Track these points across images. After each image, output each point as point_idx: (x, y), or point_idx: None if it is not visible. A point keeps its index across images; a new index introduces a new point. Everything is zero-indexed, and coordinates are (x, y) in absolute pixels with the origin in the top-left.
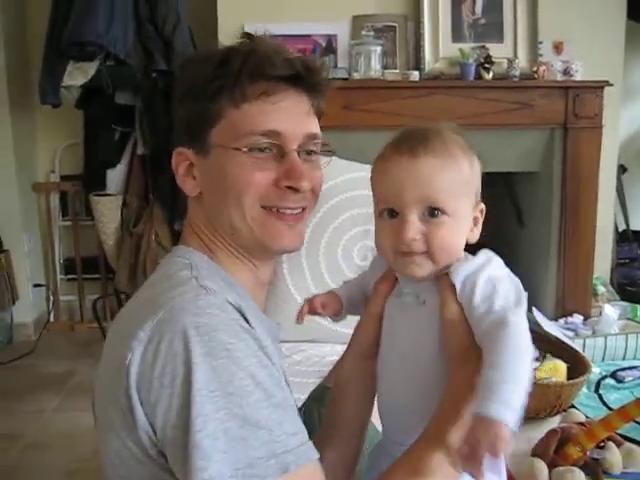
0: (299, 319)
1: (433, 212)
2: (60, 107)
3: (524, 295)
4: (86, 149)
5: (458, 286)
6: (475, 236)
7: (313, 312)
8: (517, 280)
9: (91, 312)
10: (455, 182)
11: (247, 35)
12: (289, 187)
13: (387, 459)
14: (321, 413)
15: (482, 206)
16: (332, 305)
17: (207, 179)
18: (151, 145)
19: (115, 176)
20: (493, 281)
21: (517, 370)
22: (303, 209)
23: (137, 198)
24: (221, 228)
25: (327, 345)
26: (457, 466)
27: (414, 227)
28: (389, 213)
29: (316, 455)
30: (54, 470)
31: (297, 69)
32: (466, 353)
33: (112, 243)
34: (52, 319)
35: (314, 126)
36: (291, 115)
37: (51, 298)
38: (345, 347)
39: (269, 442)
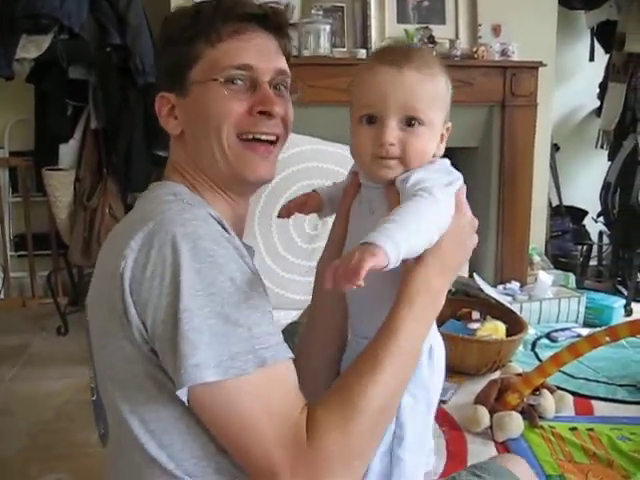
0: (282, 213)
1: (410, 121)
2: (11, 81)
3: (459, 179)
4: (38, 124)
5: (400, 182)
6: (441, 150)
7: (296, 209)
8: (458, 173)
9: (41, 288)
10: (433, 95)
11: None
12: (262, 112)
13: (354, 355)
14: (294, 344)
15: (449, 124)
16: (312, 203)
17: (187, 117)
18: (105, 119)
19: (68, 151)
20: (429, 170)
21: (414, 224)
22: (277, 138)
23: (90, 172)
24: (200, 162)
25: (282, 311)
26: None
27: (393, 133)
28: (368, 119)
29: (291, 355)
30: (18, 433)
31: (265, 9)
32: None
33: (64, 217)
34: (2, 296)
35: (283, 63)
36: (262, 51)
37: (1, 275)
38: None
39: (248, 339)
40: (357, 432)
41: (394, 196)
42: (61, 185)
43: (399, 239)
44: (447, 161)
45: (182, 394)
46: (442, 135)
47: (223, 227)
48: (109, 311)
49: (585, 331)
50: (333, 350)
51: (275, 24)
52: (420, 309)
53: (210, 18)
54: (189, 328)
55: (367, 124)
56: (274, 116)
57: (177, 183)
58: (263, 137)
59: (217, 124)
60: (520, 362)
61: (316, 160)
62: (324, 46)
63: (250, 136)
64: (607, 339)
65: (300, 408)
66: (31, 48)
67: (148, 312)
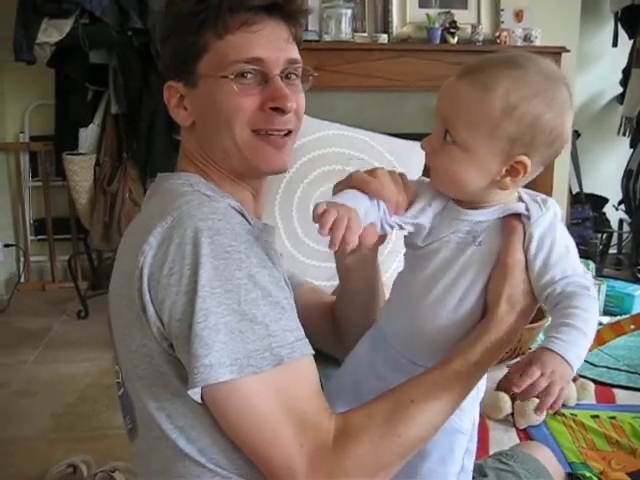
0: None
1: (445, 135)
2: (32, 65)
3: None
4: (58, 108)
5: (535, 239)
6: (505, 186)
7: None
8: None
9: (61, 272)
10: (476, 116)
11: None
12: (275, 108)
13: (389, 367)
14: None
15: (523, 159)
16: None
17: (198, 109)
18: (125, 104)
19: (88, 135)
20: (566, 241)
21: (592, 332)
22: (289, 132)
23: (110, 157)
24: (213, 154)
25: None
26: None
27: (429, 139)
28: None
29: (310, 351)
30: (42, 414)
31: None
32: (511, 302)
33: (85, 202)
34: (23, 280)
35: (294, 52)
36: (272, 42)
37: (21, 259)
38: None
39: (265, 337)
40: (390, 452)
41: (518, 235)
42: (81, 170)
43: (583, 356)
44: (555, 204)
45: (193, 394)
46: (512, 169)
47: (244, 217)
48: (128, 309)
49: (605, 319)
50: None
51: (286, 12)
52: (483, 358)
53: (217, 7)
54: (204, 327)
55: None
56: (287, 112)
57: (192, 173)
58: (276, 133)
59: (228, 120)
60: None
61: (336, 146)
62: (345, 31)
63: (263, 132)
64: (632, 327)
65: (323, 408)
66: (53, 32)
67: (165, 309)
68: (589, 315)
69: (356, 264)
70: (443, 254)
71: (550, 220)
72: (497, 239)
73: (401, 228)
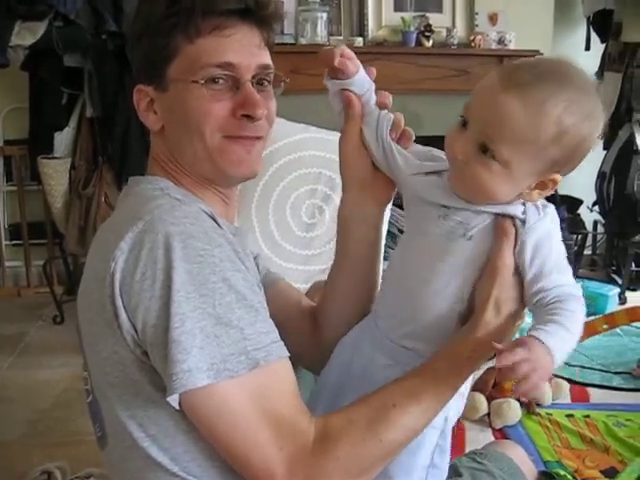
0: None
1: (485, 149)
2: (5, 69)
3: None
4: (32, 112)
5: (531, 245)
6: (532, 199)
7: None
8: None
9: (37, 277)
10: (525, 139)
11: None
12: (246, 115)
13: (379, 352)
14: None
15: (556, 177)
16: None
17: (168, 113)
18: (100, 107)
19: (63, 139)
20: (562, 250)
21: (577, 334)
22: (260, 137)
23: (86, 161)
24: (182, 159)
25: None
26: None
27: (463, 147)
28: (462, 121)
29: (286, 353)
30: (18, 420)
31: (247, 3)
32: (498, 306)
33: (60, 206)
34: None
35: (266, 57)
36: (244, 47)
37: None
38: None
39: (240, 340)
40: (371, 456)
41: (510, 237)
42: (56, 174)
43: (565, 355)
44: (554, 212)
45: (173, 400)
46: (542, 183)
47: (215, 221)
48: (99, 315)
49: None
50: (359, 300)
51: (259, 17)
52: (467, 361)
53: (189, 10)
54: (181, 332)
55: (460, 125)
56: (258, 119)
57: (161, 178)
58: (246, 139)
59: (199, 125)
60: None
61: (313, 149)
62: (321, 34)
63: (234, 137)
64: (605, 326)
65: (301, 410)
66: (26, 35)
67: (138, 315)
68: (577, 317)
69: (359, 219)
70: (432, 239)
71: (548, 227)
72: (488, 238)
73: None
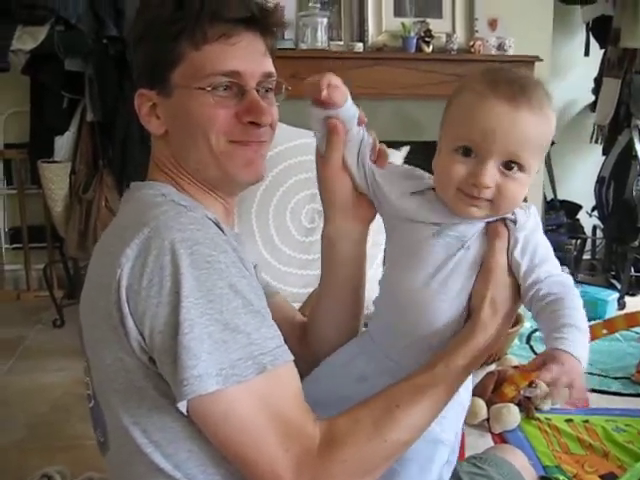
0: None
1: (511, 166)
2: (6, 73)
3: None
4: (33, 116)
5: (520, 242)
6: None
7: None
8: None
9: (36, 281)
10: (541, 141)
11: None
12: (251, 122)
13: (371, 363)
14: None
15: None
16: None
17: (172, 118)
18: (101, 112)
19: (63, 143)
20: (547, 243)
21: (587, 328)
22: (264, 142)
23: (86, 165)
24: (186, 164)
25: None
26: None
27: (492, 176)
28: (464, 151)
29: (291, 357)
30: (16, 425)
31: (253, 11)
32: (494, 305)
33: (60, 210)
34: None
35: (270, 65)
36: (249, 55)
37: None
38: None
39: (247, 345)
40: (376, 457)
41: (503, 239)
42: (56, 177)
43: (587, 352)
44: (535, 211)
45: (182, 406)
46: None
47: (219, 228)
48: (104, 322)
49: None
50: (345, 319)
51: (263, 25)
52: (466, 361)
53: (196, 17)
54: (190, 338)
55: (462, 155)
56: (263, 126)
57: (163, 183)
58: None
59: (204, 130)
60: (516, 355)
61: (313, 154)
62: (321, 39)
63: (239, 142)
64: (605, 331)
65: (306, 413)
66: (27, 39)
67: (146, 322)
68: (582, 313)
69: (343, 238)
70: (431, 257)
71: (533, 224)
72: (484, 240)
73: None
